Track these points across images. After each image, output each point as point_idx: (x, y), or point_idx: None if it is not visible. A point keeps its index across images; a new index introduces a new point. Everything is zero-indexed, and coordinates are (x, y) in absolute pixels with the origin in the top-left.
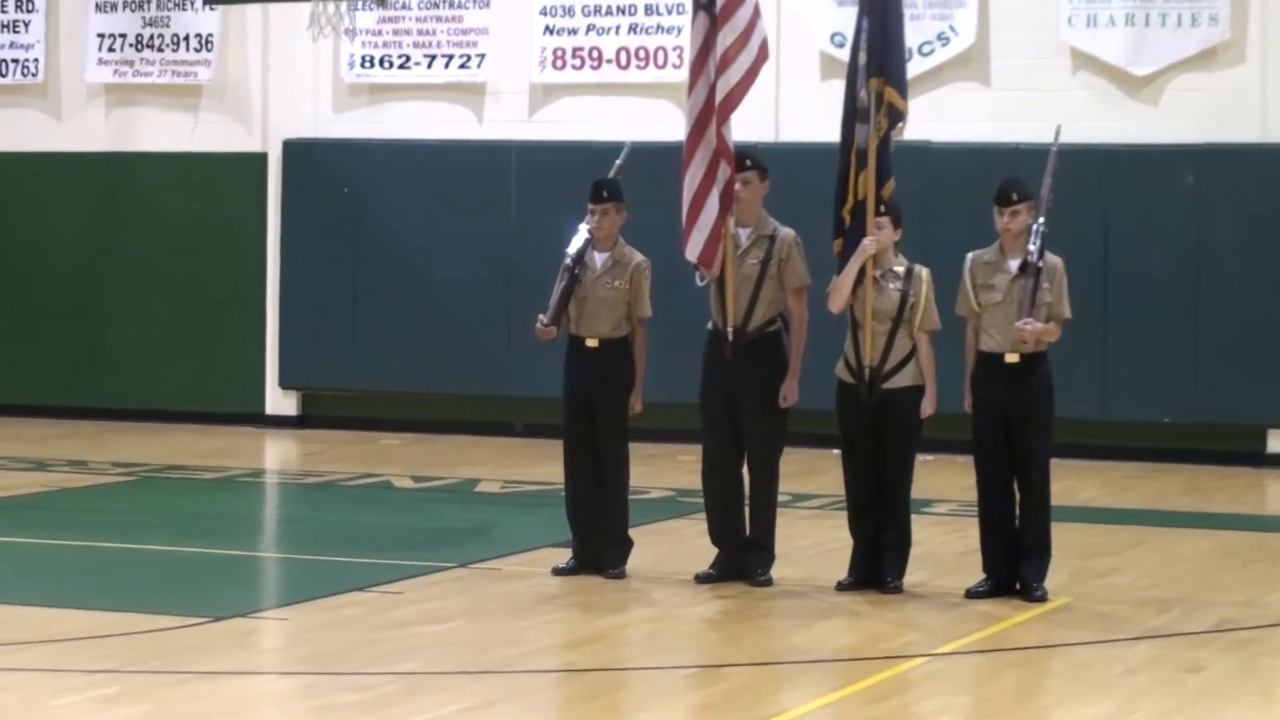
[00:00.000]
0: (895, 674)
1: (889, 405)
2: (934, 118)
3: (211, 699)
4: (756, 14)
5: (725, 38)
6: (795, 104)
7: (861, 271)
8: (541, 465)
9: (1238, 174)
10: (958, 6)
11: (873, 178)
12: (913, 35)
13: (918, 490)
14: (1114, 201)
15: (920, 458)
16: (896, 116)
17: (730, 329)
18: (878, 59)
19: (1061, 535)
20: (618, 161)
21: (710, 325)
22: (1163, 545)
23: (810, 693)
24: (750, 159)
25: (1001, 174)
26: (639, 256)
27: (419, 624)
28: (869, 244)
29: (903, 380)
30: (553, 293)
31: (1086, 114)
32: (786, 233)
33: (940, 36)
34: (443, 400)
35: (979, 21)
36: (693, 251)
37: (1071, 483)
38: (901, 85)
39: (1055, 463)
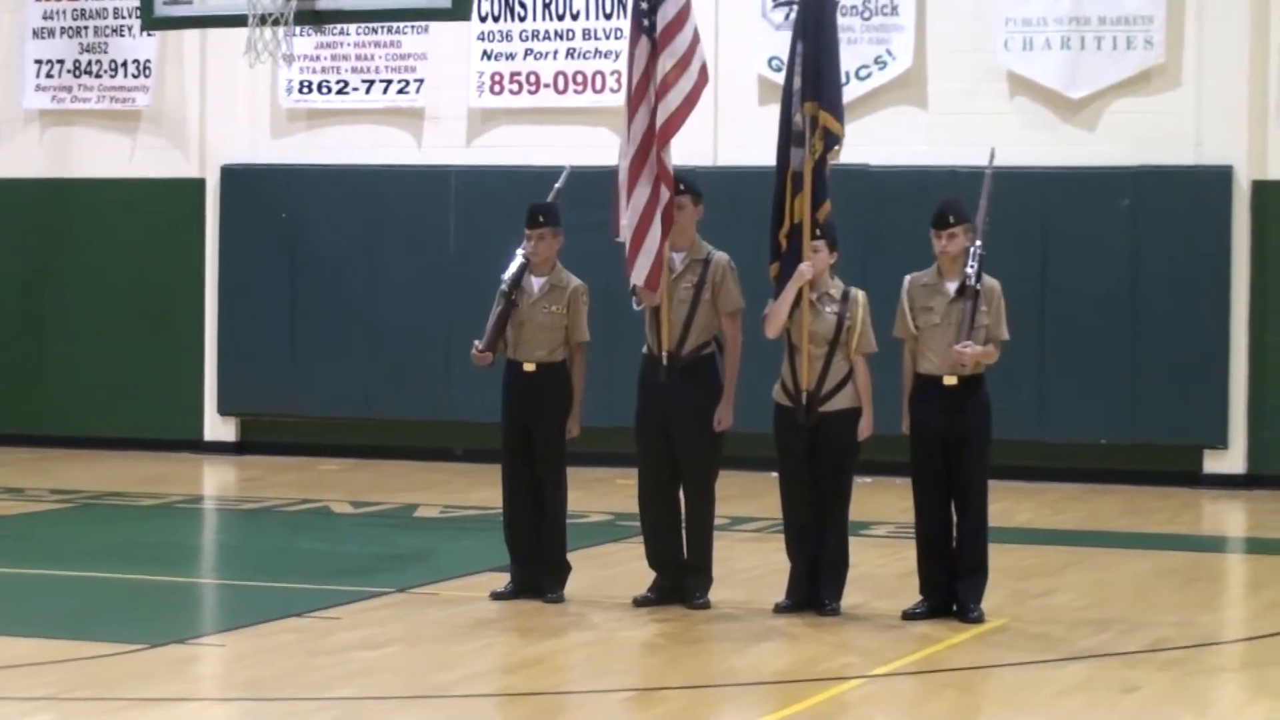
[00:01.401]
0: (831, 696)
1: (826, 428)
2: (872, 141)
3: None
4: (696, 39)
5: (665, 63)
6: (734, 128)
7: (798, 295)
8: (481, 490)
9: (1173, 196)
10: (895, 30)
11: (808, 201)
12: (850, 59)
13: (856, 512)
14: (1051, 224)
15: (859, 480)
16: (832, 140)
17: (665, 353)
18: (812, 83)
19: (999, 556)
20: (556, 185)
21: (645, 349)
22: (1099, 566)
23: (746, 715)
24: (683, 183)
25: (939, 197)
26: (576, 281)
27: (356, 649)
28: (805, 269)
29: (840, 403)
30: (489, 318)
31: (1023, 137)
32: (720, 257)
33: (878, 60)
34: (382, 425)
35: (916, 46)
36: (639, 275)
37: (1009, 504)
38: (836, 109)
39: (993, 484)
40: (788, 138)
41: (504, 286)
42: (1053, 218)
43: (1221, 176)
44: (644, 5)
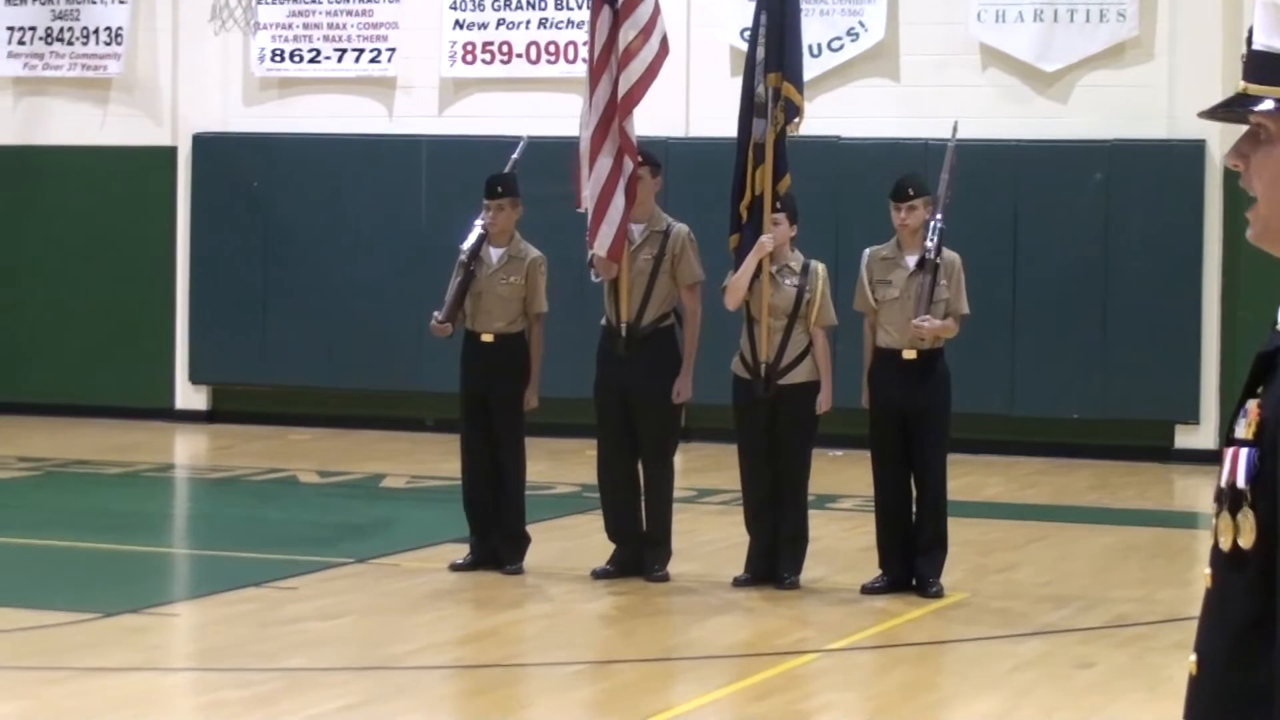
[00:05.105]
0: (785, 670)
1: (785, 401)
2: (843, 113)
3: (92, 696)
4: (657, 10)
5: (627, 34)
6: (705, 99)
7: (758, 267)
8: (449, 460)
9: (1145, 170)
10: (868, 2)
11: (769, 173)
12: (823, 31)
13: (824, 486)
14: (1023, 197)
15: (830, 453)
16: (793, 111)
17: (624, 325)
18: (775, 54)
19: (963, 531)
20: (514, 156)
21: (604, 321)
22: (1064, 541)
23: (698, 689)
24: (642, 154)
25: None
26: (535, 252)
27: (311, 620)
28: (766, 241)
29: (798, 376)
30: (448, 289)
31: (995, 110)
32: (680, 228)
33: (850, 32)
34: (353, 395)
35: (889, 17)
36: (601, 246)
37: (977, 478)
38: (798, 80)
39: (962, 458)
40: (750, 109)
41: (462, 257)
42: (1025, 191)
43: (1194, 150)
44: None
